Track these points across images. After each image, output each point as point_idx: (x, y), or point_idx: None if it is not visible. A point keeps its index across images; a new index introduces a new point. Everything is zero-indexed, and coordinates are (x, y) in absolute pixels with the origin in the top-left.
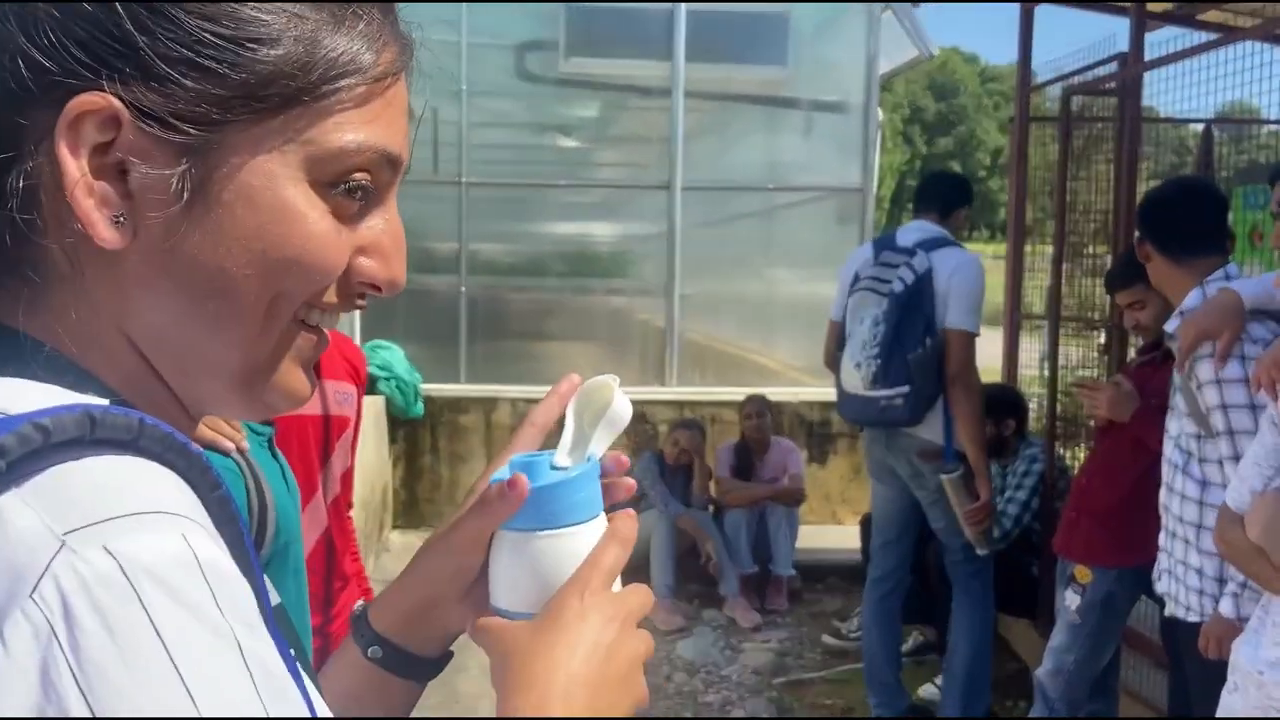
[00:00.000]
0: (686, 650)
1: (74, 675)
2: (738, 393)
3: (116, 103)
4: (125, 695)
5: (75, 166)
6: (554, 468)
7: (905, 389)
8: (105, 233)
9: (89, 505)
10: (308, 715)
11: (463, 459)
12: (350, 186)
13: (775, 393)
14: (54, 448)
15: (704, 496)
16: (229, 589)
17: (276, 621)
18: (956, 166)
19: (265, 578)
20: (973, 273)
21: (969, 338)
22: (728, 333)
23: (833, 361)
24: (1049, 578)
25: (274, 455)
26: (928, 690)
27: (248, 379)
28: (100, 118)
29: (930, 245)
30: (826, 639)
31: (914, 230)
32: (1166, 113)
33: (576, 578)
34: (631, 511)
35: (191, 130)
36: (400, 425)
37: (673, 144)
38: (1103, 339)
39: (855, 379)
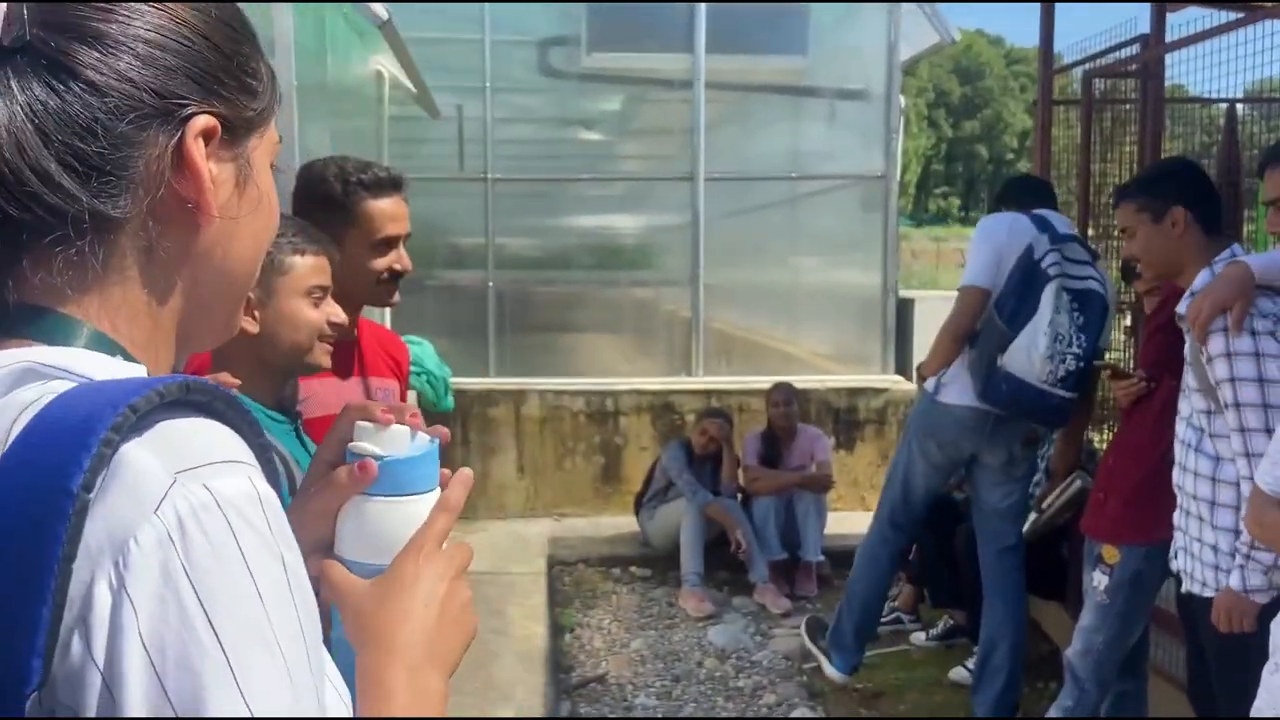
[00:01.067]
0: (717, 637)
1: (184, 568)
2: (764, 381)
3: (213, 119)
4: (217, 584)
5: (207, 169)
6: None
7: (1077, 395)
8: (215, 213)
9: (191, 453)
10: (316, 611)
11: (493, 451)
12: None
13: (801, 380)
14: (162, 407)
15: (732, 485)
16: (278, 519)
17: None
18: (983, 150)
19: None
20: (1114, 298)
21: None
22: (753, 321)
23: (964, 338)
24: (1078, 559)
25: (302, 442)
26: (958, 673)
27: (232, 316)
28: (208, 131)
29: (1094, 255)
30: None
31: (1064, 223)
32: (1195, 93)
33: (412, 543)
34: (465, 474)
35: (247, 132)
36: (431, 419)
37: (695, 135)
38: (1129, 320)
39: (1039, 369)
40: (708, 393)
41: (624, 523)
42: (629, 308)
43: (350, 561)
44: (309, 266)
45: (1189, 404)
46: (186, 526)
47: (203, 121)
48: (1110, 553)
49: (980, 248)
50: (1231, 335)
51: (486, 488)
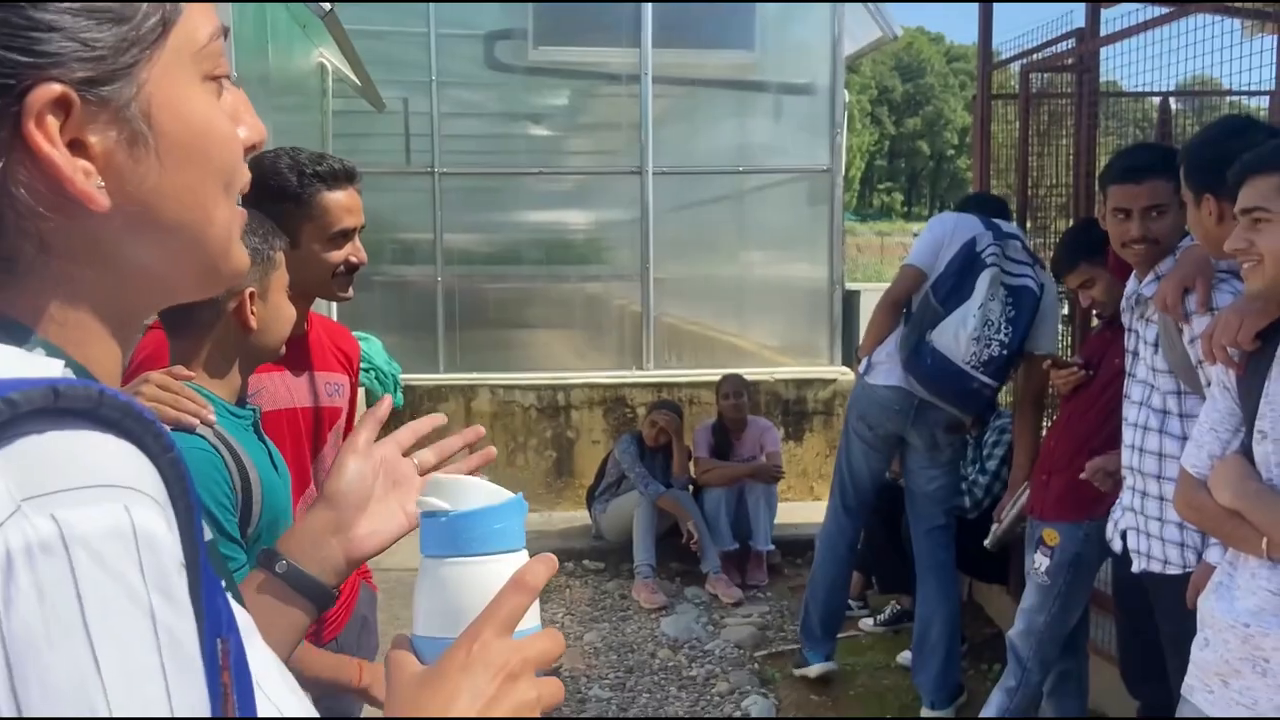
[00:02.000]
0: (670, 627)
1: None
2: (714, 374)
3: (62, 87)
4: (38, 647)
5: (58, 154)
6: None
7: (997, 385)
8: (101, 200)
9: (45, 476)
10: (205, 690)
11: None
12: (218, 73)
13: (751, 373)
14: (22, 418)
15: (684, 477)
16: (157, 560)
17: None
18: (925, 146)
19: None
20: (1055, 303)
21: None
22: (702, 315)
23: (897, 310)
24: (1019, 543)
25: (260, 438)
26: (905, 656)
27: (215, 267)
28: (54, 104)
29: (1036, 259)
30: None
31: (1010, 227)
32: (1131, 87)
33: (472, 626)
34: (550, 556)
35: (119, 85)
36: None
37: (643, 129)
38: (1066, 310)
39: (963, 349)
40: (658, 386)
41: (576, 516)
42: (579, 302)
43: (419, 639)
44: (284, 263)
45: (1145, 387)
46: (15, 567)
47: (42, 97)
48: (1051, 535)
49: (925, 235)
50: (1199, 314)
51: None
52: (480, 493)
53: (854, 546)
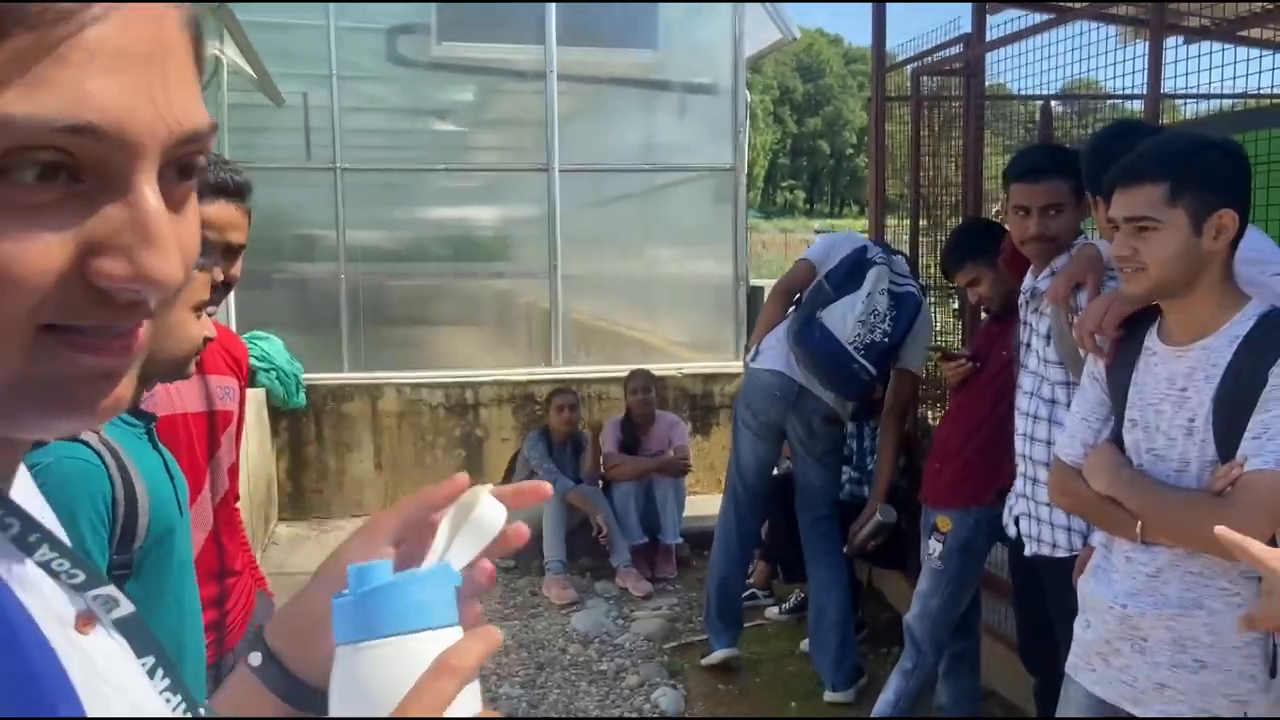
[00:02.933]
0: (580, 623)
1: None
2: (622, 370)
3: None
4: None
5: None
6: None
7: (874, 373)
8: None
9: None
10: None
11: (349, 447)
12: (40, 171)
13: (658, 368)
14: None
15: (593, 471)
16: None
17: (130, 629)
18: (825, 145)
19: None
20: (930, 322)
21: (918, 381)
22: (610, 311)
23: (788, 297)
24: (916, 531)
25: (155, 447)
26: (808, 643)
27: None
28: None
29: (917, 278)
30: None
31: (899, 251)
32: (1018, 90)
33: (395, 713)
34: (490, 630)
35: None
36: (283, 416)
37: (549, 127)
38: (957, 304)
39: (849, 330)
40: (567, 382)
41: None
42: (486, 300)
43: None
44: (201, 281)
45: (1036, 378)
46: None
47: None
48: (944, 522)
49: (820, 240)
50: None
51: (343, 485)
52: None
53: (747, 537)
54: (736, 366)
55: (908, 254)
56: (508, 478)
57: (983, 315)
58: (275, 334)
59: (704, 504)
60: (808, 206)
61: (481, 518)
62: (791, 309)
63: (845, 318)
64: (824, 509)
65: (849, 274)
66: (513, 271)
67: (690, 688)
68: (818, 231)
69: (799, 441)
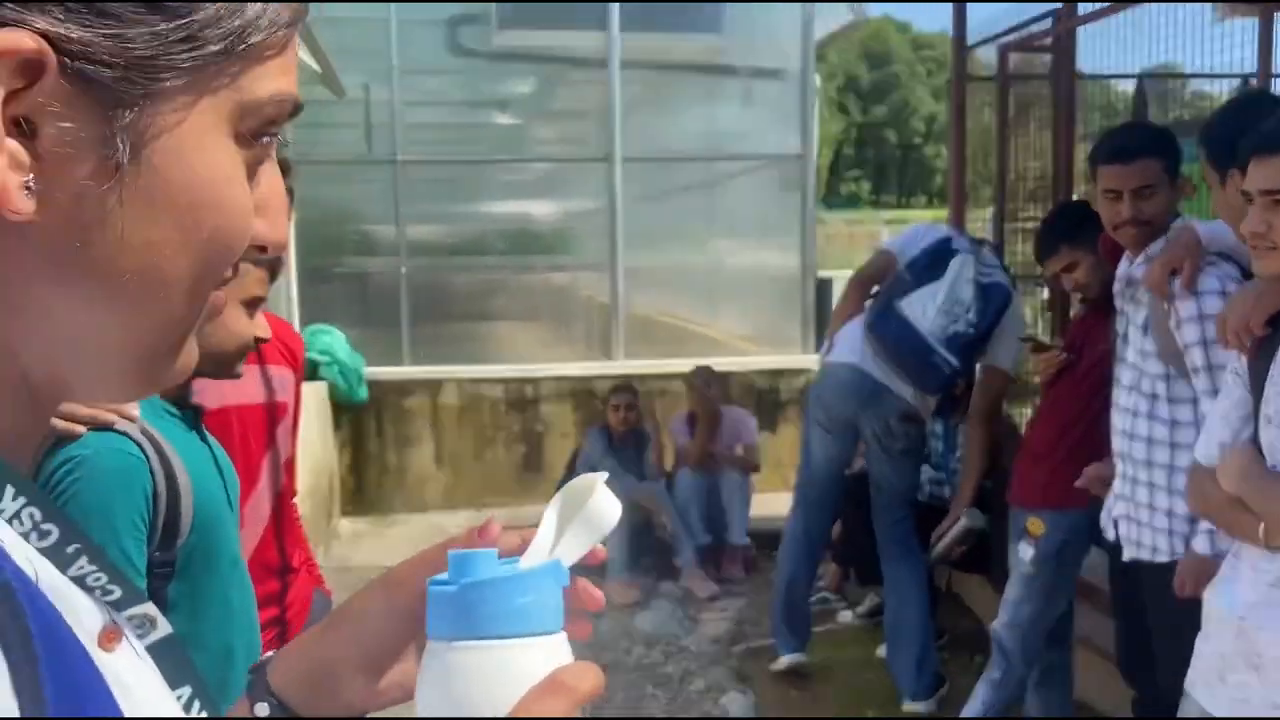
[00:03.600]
0: (644, 623)
1: None
2: (684, 364)
3: (41, 42)
4: None
5: None
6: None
7: (958, 367)
8: (19, 202)
9: None
10: None
11: (409, 442)
12: (267, 139)
13: (723, 363)
14: None
15: (656, 468)
16: None
17: (166, 655)
18: (892, 134)
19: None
20: (1021, 316)
21: (1007, 381)
22: (672, 305)
23: (866, 288)
24: (1001, 533)
25: (204, 439)
26: (886, 650)
27: (153, 361)
28: (18, 60)
29: (1006, 269)
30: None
31: (987, 240)
32: (1096, 71)
33: None
34: (593, 666)
35: (123, 82)
36: (344, 411)
37: (611, 116)
38: (1046, 295)
39: (931, 320)
40: (628, 377)
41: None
42: (546, 293)
43: None
44: (255, 277)
45: (1135, 372)
46: None
47: (3, 41)
48: (1036, 525)
49: (905, 230)
50: (1183, 298)
51: (404, 480)
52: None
53: (817, 538)
54: (804, 361)
55: (993, 242)
56: (569, 475)
57: (1075, 304)
58: (337, 328)
59: (770, 503)
60: (873, 198)
61: (597, 510)
62: (869, 301)
63: (925, 307)
64: (902, 510)
65: (931, 262)
66: (573, 265)
67: (760, 694)
68: (888, 223)
69: (875, 440)
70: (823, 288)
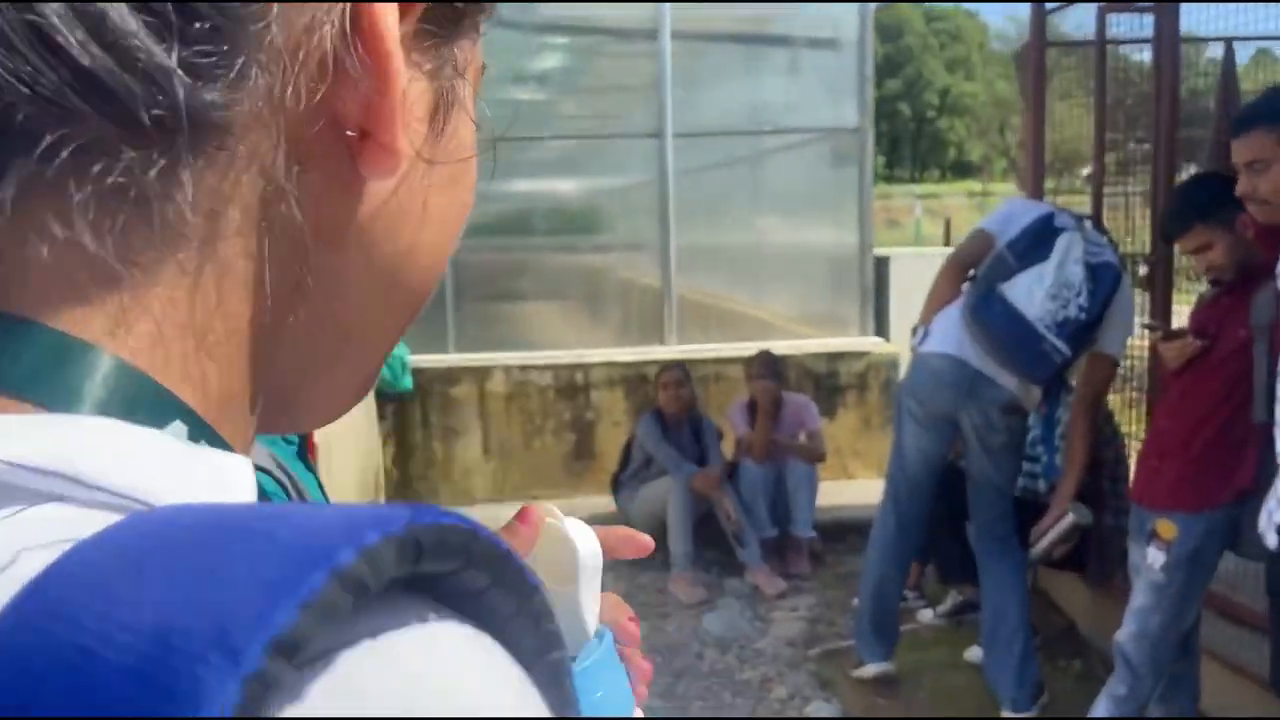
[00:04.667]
0: (713, 625)
1: None
2: (740, 349)
3: None
4: None
5: (398, 62)
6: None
7: (1068, 354)
8: (405, 147)
9: None
10: None
11: (456, 433)
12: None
13: (778, 345)
14: (374, 599)
15: (718, 453)
16: None
17: None
18: (905, 108)
19: None
20: (1131, 298)
21: (1114, 369)
22: (724, 285)
23: (962, 272)
24: (1098, 530)
25: (308, 465)
26: (974, 653)
27: (369, 382)
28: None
29: (1114, 246)
30: (855, 602)
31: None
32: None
33: None
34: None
35: (457, 39)
36: (388, 401)
37: (661, 89)
38: (1144, 270)
39: (1038, 306)
40: (682, 363)
41: (600, 503)
42: (594, 275)
43: None
44: None
45: None
46: None
47: None
48: (1166, 527)
49: (999, 206)
50: None
51: (451, 471)
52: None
53: (909, 539)
54: (863, 344)
55: (1094, 218)
56: (624, 466)
57: (1206, 287)
58: None
59: (831, 491)
60: (887, 172)
61: (582, 556)
62: (966, 285)
63: (1032, 291)
64: (1001, 508)
65: (1034, 242)
66: (621, 245)
67: (845, 701)
68: (920, 198)
69: (974, 433)
70: (881, 266)
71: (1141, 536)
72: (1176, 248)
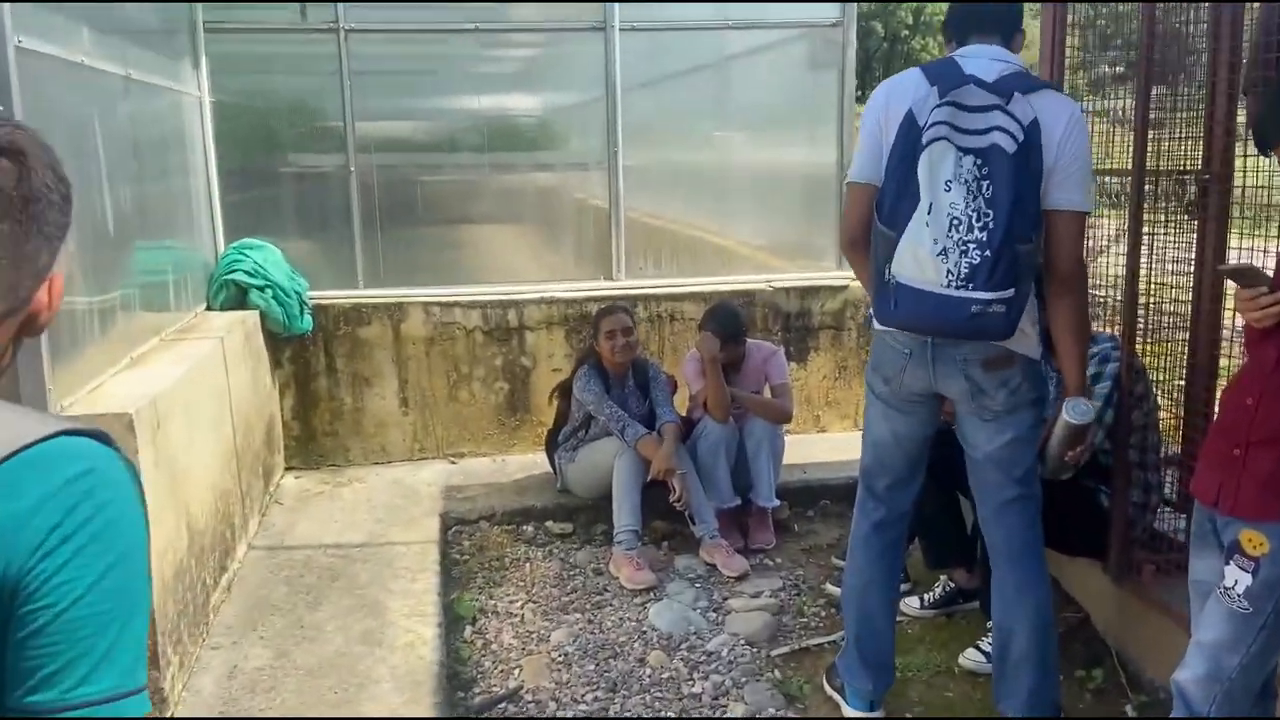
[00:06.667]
0: (661, 619)
1: None
2: (698, 284)
3: None
4: None
5: None
6: None
7: (1011, 292)
8: None
9: None
10: None
11: (368, 381)
12: None
13: (743, 281)
14: None
15: (670, 408)
16: None
17: None
18: (879, 26)
19: None
20: (1085, 130)
21: (1083, 222)
22: (682, 211)
23: (858, 242)
24: (1123, 509)
25: None
26: (972, 658)
27: None
28: None
29: (1025, 85)
30: (829, 588)
31: (987, 59)
32: None
33: None
34: None
35: None
36: (285, 345)
37: None
38: (1193, 192)
39: (934, 271)
40: (631, 298)
41: (535, 462)
42: (530, 198)
43: None
44: None
45: None
46: None
47: None
48: (1254, 541)
49: (861, 134)
50: None
51: (362, 426)
52: None
53: (892, 545)
54: (839, 277)
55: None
56: (559, 424)
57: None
58: (271, 242)
59: (801, 448)
60: (859, 93)
61: None
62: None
63: (917, 256)
64: (1015, 488)
65: (897, 186)
66: (562, 163)
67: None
68: None
69: (963, 403)
70: None
71: (1209, 547)
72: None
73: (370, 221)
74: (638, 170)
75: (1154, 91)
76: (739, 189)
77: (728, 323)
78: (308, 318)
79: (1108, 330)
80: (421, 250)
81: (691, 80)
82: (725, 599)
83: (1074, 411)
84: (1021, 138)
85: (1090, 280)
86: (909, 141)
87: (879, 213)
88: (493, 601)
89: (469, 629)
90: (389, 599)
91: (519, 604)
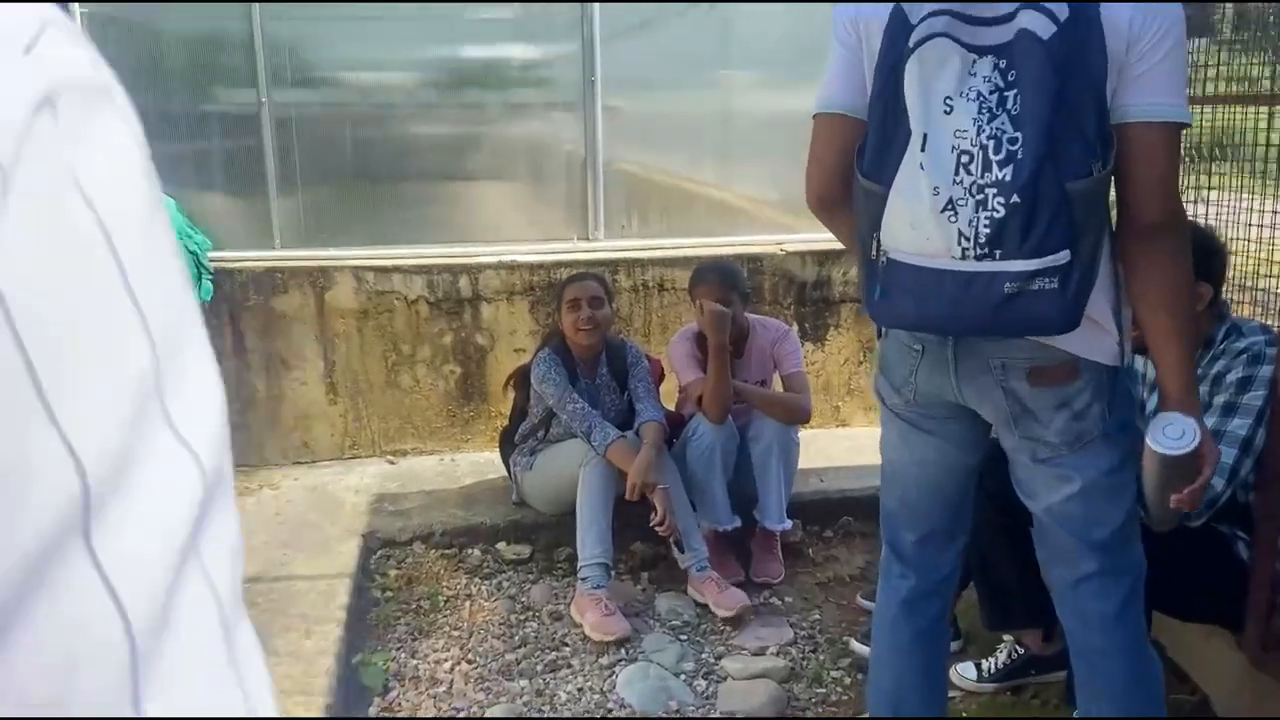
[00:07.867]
0: (632, 690)
1: None
2: (692, 246)
3: None
4: None
5: None
6: None
7: (1065, 256)
8: None
9: None
10: None
11: (285, 363)
12: None
13: (748, 242)
14: None
15: (653, 404)
16: None
17: None
18: None
19: None
20: (1178, 14)
21: (1178, 140)
22: (673, 161)
23: (831, 201)
24: (1268, 563)
25: None
26: None
27: None
28: None
29: None
30: (855, 646)
31: None
32: None
33: None
34: None
35: None
36: None
37: None
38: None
39: (939, 236)
40: (612, 264)
41: (490, 462)
42: (490, 144)
43: None
44: None
45: None
46: None
47: None
48: None
49: (831, 44)
50: None
51: (280, 418)
52: None
53: (934, 628)
54: None
55: None
56: (515, 421)
57: None
58: (170, 195)
59: (814, 448)
60: None
61: None
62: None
63: (914, 214)
64: (1092, 560)
65: (884, 113)
66: (532, 102)
67: None
68: None
69: (1005, 431)
70: None
71: None
72: None
73: (288, 168)
74: (622, 112)
75: None
76: (738, 135)
77: (733, 282)
78: (207, 284)
79: (1260, 320)
80: (353, 203)
81: (686, 10)
82: (718, 659)
83: (1164, 436)
84: (1065, 14)
85: (1231, 256)
86: (898, 50)
87: (859, 159)
88: (414, 661)
89: (374, 705)
90: (268, 665)
91: (448, 664)
